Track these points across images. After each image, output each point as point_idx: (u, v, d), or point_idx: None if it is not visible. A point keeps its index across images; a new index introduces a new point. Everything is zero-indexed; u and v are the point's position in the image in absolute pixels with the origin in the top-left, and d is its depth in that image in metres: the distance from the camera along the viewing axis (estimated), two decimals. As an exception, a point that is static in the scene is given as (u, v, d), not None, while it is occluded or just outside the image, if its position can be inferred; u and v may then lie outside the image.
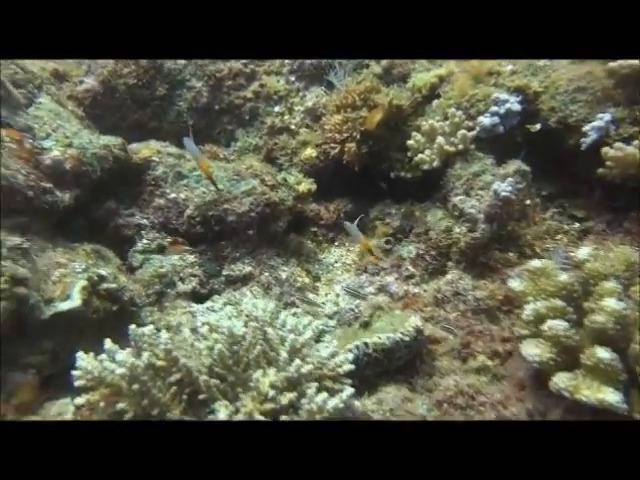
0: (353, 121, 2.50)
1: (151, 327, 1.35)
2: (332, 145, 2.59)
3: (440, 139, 2.10)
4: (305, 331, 1.43)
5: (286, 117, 2.90)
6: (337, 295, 2.29)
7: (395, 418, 1.40)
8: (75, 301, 1.48)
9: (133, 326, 1.31)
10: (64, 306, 1.46)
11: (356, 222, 2.06)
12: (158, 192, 2.21)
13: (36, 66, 2.44)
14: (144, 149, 2.26)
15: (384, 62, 2.74)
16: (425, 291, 2.01)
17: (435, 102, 2.26)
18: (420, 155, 2.21)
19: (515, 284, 1.46)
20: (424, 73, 2.37)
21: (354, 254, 2.61)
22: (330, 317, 2.21)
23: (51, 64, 2.60)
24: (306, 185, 2.51)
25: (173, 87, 2.81)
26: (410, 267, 2.13)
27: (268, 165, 2.62)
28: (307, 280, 2.37)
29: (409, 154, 2.31)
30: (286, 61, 2.94)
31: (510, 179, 1.85)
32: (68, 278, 1.56)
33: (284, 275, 2.32)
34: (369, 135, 2.46)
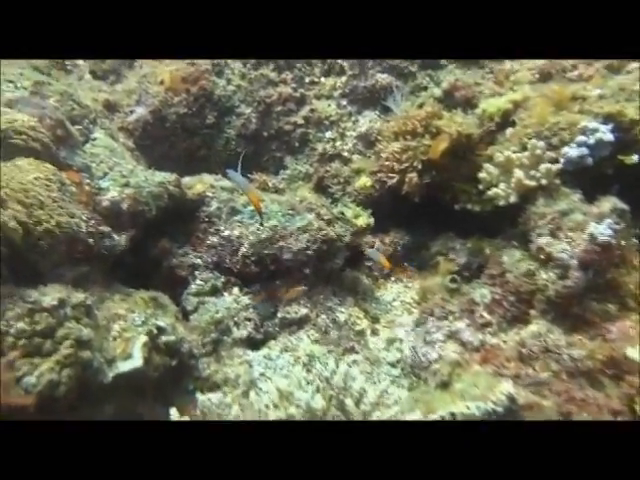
0: (414, 150, 2.36)
1: (219, 396, 1.25)
2: (390, 175, 2.45)
3: (519, 173, 1.93)
4: (388, 401, 1.29)
5: (338, 143, 2.80)
6: (400, 340, 2.13)
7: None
8: (137, 360, 1.41)
9: (201, 397, 1.21)
10: (126, 366, 1.38)
11: (375, 247, 2.16)
12: (212, 229, 2.14)
13: (89, 98, 2.45)
14: (197, 184, 2.20)
15: (444, 84, 2.60)
16: (505, 342, 1.82)
17: (509, 130, 2.09)
18: (494, 189, 2.04)
19: (634, 354, 1.27)
20: (495, 98, 2.21)
21: (413, 291, 2.45)
22: (393, 365, 2.06)
23: (102, 94, 2.62)
24: (364, 219, 2.38)
25: (222, 114, 2.77)
26: (485, 313, 1.95)
27: (322, 197, 2.51)
28: (366, 322, 2.23)
29: (480, 187, 2.14)
30: (337, 84, 2.85)
31: (608, 220, 1.66)
32: (128, 332, 1.49)
33: (342, 317, 2.19)
34: (432, 165, 2.31)
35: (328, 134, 2.84)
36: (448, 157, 2.26)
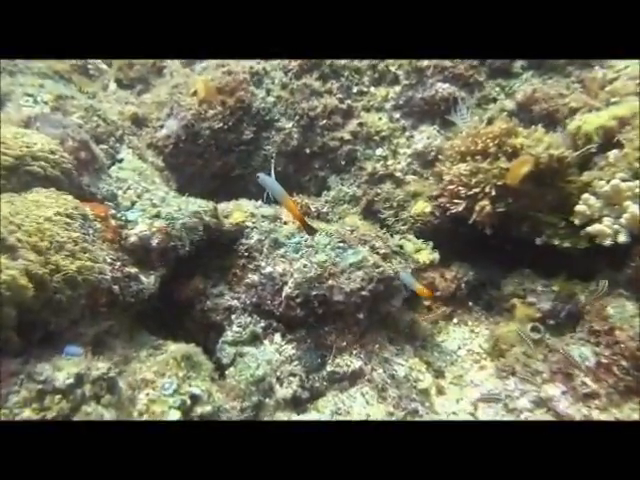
0: (486, 173, 2.05)
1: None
2: (455, 201, 2.16)
3: (633, 207, 1.60)
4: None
5: (390, 162, 2.52)
6: (473, 405, 1.81)
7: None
8: (168, 446, 1.15)
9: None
10: (155, 455, 1.12)
11: (410, 270, 1.98)
12: (251, 266, 1.89)
13: (115, 111, 2.26)
14: (236, 212, 1.96)
15: (519, 95, 2.29)
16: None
17: (614, 153, 1.77)
18: (596, 225, 1.71)
19: None
20: (593, 114, 1.88)
21: (481, 338, 2.13)
22: (466, 435, 1.74)
23: (131, 107, 2.43)
24: (427, 254, 2.09)
25: (261, 129, 2.54)
26: (588, 380, 1.61)
27: (376, 225, 2.23)
28: (429, 378, 1.92)
29: (575, 221, 1.82)
30: (390, 95, 2.58)
31: None
32: (157, 406, 1.23)
33: (401, 372, 1.89)
34: (509, 191, 2.00)
35: (378, 151, 2.56)
36: (530, 183, 1.95)
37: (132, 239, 1.56)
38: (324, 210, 2.56)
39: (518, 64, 2.33)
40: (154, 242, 1.60)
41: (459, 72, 2.42)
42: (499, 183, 2.00)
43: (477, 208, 2.04)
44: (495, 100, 2.37)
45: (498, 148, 2.07)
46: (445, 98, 2.43)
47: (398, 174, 2.49)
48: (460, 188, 2.13)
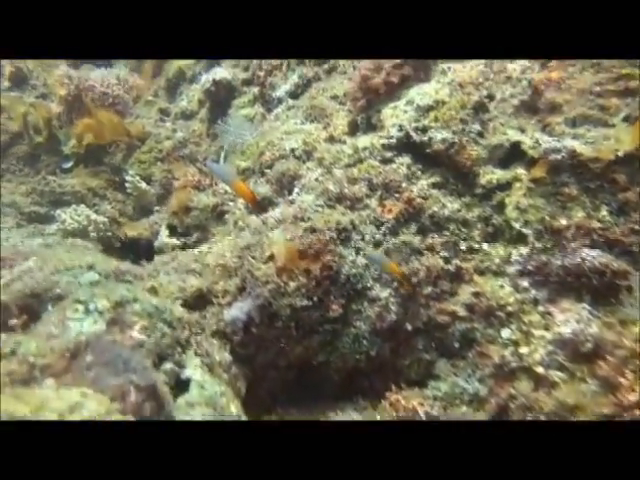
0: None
1: None
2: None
3: None
4: None
5: (523, 349, 2.03)
6: None
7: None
8: None
9: None
10: None
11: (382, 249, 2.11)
12: None
13: (175, 287, 1.92)
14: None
15: None
16: None
17: None
18: None
19: None
20: None
21: None
22: None
23: (192, 280, 2.09)
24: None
25: (350, 300, 2.14)
26: None
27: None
28: None
29: None
30: (514, 257, 2.18)
31: None
32: None
33: None
34: None
35: (505, 333, 2.10)
36: None
37: None
38: (434, 412, 2.05)
39: (703, 233, 1.91)
40: None
41: (614, 237, 2.02)
42: None
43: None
44: (674, 275, 1.92)
45: None
46: (598, 270, 1.99)
47: (539, 369, 1.98)
48: (656, 417, 1.59)
